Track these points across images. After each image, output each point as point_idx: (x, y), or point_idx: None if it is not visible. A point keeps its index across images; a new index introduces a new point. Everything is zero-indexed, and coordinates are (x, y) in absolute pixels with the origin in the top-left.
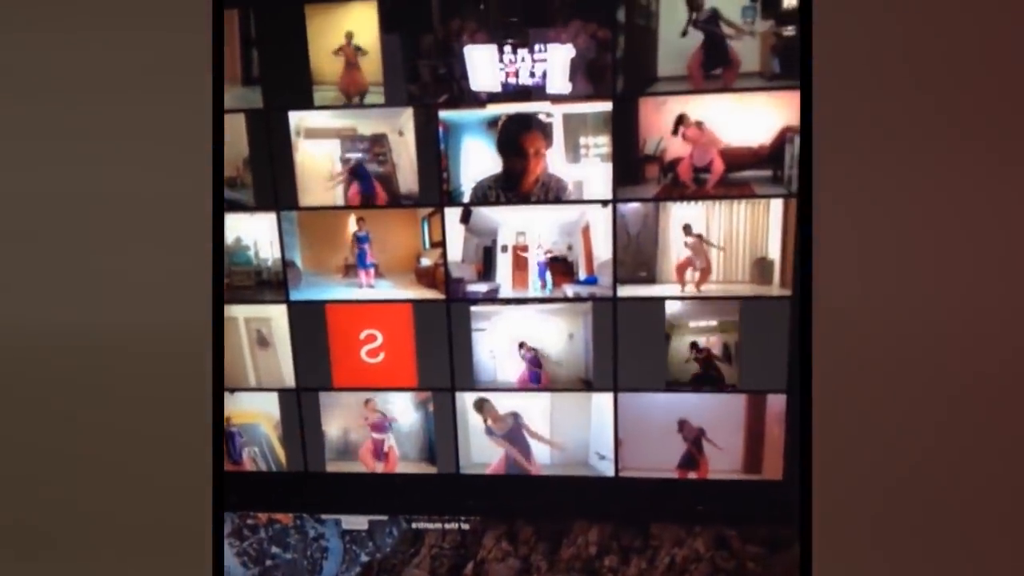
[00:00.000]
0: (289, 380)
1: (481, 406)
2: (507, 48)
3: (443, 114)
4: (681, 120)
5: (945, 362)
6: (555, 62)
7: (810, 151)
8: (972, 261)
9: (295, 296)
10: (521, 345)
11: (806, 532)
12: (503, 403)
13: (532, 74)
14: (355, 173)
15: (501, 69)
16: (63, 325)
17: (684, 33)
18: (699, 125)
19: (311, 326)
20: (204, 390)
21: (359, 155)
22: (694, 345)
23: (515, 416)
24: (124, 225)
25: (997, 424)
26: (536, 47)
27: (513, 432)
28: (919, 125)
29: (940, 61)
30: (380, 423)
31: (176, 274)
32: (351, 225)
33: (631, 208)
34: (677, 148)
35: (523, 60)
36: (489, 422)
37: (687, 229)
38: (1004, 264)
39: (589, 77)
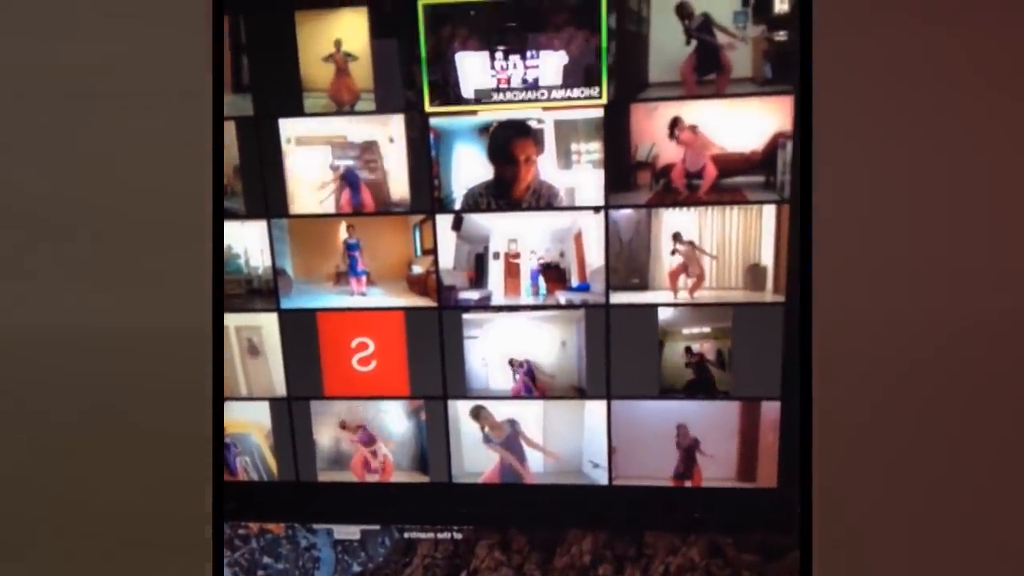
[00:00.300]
0: (280, 389)
1: (478, 413)
2: (499, 54)
3: (434, 121)
4: (676, 123)
5: (947, 369)
6: (547, 68)
7: (803, 156)
8: (974, 266)
9: (286, 304)
10: (511, 362)
11: (806, 542)
12: (497, 411)
13: (524, 80)
14: (345, 180)
15: (493, 76)
16: (60, 328)
17: (687, 42)
18: (693, 129)
19: (302, 334)
20: (204, 398)
21: (350, 162)
22: (688, 350)
23: (512, 423)
24: (123, 230)
25: (1001, 430)
26: (528, 53)
27: (510, 439)
28: (919, 129)
29: (941, 64)
30: (364, 437)
31: (175, 280)
32: (342, 233)
33: (623, 215)
34: (669, 154)
35: (515, 67)
36: (487, 429)
37: (677, 237)
38: (1008, 268)
39: (581, 83)
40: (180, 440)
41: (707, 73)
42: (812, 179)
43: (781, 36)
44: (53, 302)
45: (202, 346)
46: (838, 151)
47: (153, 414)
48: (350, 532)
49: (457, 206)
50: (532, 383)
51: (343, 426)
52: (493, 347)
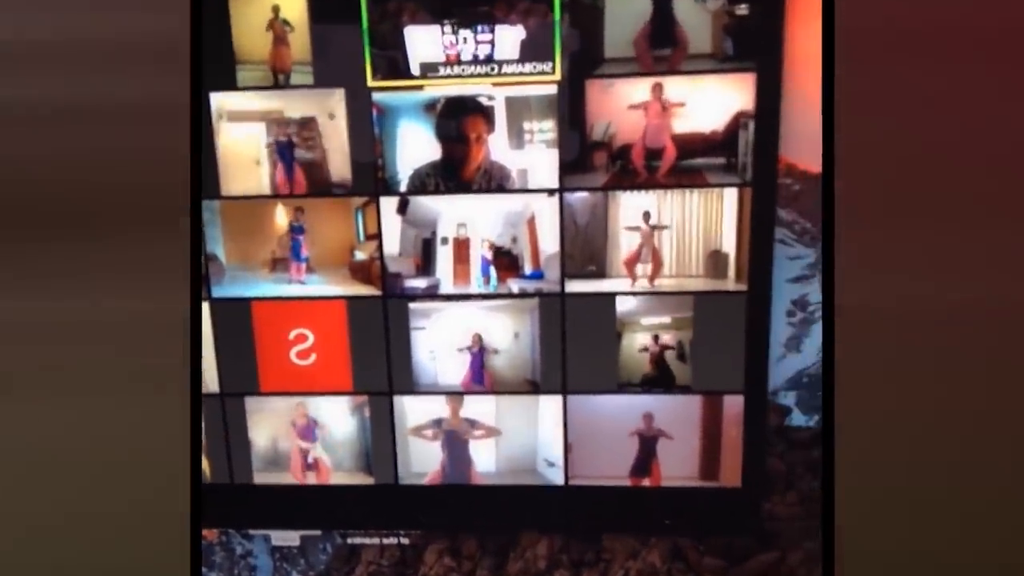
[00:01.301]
0: (212, 385)
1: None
2: (447, 27)
3: (377, 96)
4: (656, 91)
5: (974, 366)
6: (499, 42)
7: (763, 137)
8: (1007, 252)
9: (217, 293)
10: (473, 339)
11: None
12: (448, 409)
13: (475, 55)
14: (280, 158)
15: (443, 50)
16: (51, 317)
17: (647, 14)
18: (665, 104)
19: (235, 325)
20: (182, 394)
21: (286, 140)
22: (650, 340)
23: (471, 423)
24: (106, 214)
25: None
26: (479, 27)
27: (456, 436)
28: (949, 110)
29: (960, 44)
30: (307, 430)
31: (152, 266)
32: (280, 215)
33: (579, 198)
34: (628, 132)
35: (465, 41)
36: (448, 414)
37: (647, 216)
38: None
39: (534, 58)
40: (154, 438)
41: (662, 47)
42: (834, 164)
43: (742, 10)
44: (39, 292)
45: (178, 336)
46: (861, 134)
47: (127, 408)
48: (289, 538)
49: (402, 188)
50: (481, 371)
51: (297, 406)
52: (441, 339)
